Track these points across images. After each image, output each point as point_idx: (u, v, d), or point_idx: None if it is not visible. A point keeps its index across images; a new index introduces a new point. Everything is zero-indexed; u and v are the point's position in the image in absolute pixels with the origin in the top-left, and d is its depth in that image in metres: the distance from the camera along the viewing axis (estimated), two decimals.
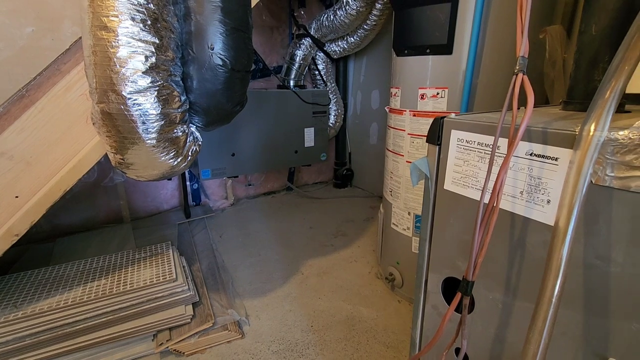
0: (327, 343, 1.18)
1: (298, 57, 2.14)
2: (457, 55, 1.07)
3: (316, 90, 2.19)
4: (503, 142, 0.45)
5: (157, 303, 1.14)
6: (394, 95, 1.29)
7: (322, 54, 2.23)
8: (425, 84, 1.16)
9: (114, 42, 0.76)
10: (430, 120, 1.16)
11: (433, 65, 1.13)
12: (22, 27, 0.90)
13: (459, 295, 0.47)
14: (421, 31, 1.12)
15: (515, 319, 0.49)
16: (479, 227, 0.43)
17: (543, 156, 0.42)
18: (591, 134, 0.34)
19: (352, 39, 2.06)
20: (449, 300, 0.60)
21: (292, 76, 2.19)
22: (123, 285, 1.15)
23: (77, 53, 0.96)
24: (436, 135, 0.56)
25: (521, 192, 0.45)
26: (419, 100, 1.18)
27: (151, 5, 0.79)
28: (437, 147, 0.57)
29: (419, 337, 0.65)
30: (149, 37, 0.79)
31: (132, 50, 0.78)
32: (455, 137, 0.52)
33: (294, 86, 2.19)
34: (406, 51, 1.19)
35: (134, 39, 0.77)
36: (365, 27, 1.94)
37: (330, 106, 2.35)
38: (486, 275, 0.50)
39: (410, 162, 1.24)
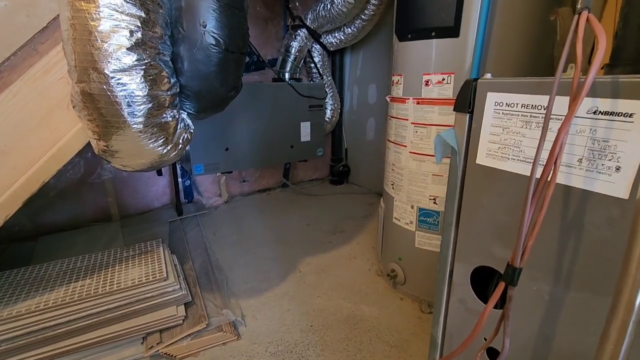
0: (327, 343, 1.12)
1: (293, 49, 2.07)
2: (464, 39, 1.01)
3: (312, 84, 2.13)
4: (558, 102, 0.38)
5: (147, 304, 1.07)
6: (396, 83, 1.23)
7: (318, 46, 2.17)
8: (430, 70, 1.10)
9: (95, 14, 0.69)
10: (436, 108, 1.11)
11: (438, 50, 1.07)
12: None
13: (501, 286, 0.41)
14: (426, 13, 1.06)
15: (566, 313, 0.42)
16: (530, 203, 0.37)
17: (612, 113, 0.35)
18: None
19: (349, 29, 2.00)
20: (477, 293, 0.54)
21: (288, 69, 2.12)
22: (110, 285, 1.07)
23: (56, 32, 0.88)
24: (467, 101, 0.49)
25: (579, 160, 0.38)
26: (424, 87, 1.12)
27: None
28: (468, 116, 0.50)
29: (441, 335, 0.59)
30: (134, 10, 0.72)
31: (115, 23, 0.71)
32: (492, 101, 0.46)
33: (290, 79, 2.12)
34: (410, 35, 1.13)
35: (117, 11, 0.70)
36: (362, 17, 1.88)
37: (327, 100, 2.28)
38: (529, 263, 0.43)
39: (413, 153, 1.19)
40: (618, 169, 0.36)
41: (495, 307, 0.43)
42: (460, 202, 0.53)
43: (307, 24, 2.01)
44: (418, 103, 1.14)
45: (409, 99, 1.17)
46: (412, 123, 1.17)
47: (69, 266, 1.19)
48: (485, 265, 0.52)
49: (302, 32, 2.04)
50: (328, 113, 2.31)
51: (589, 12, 0.34)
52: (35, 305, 0.98)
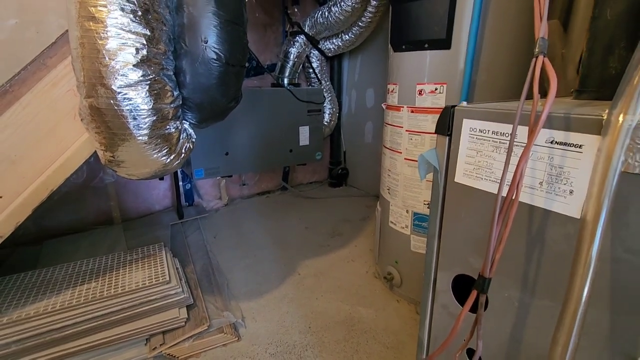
0: (325, 345, 1.15)
1: (292, 55, 2.11)
2: (456, 50, 1.05)
3: (311, 89, 2.17)
4: (520, 131, 0.43)
5: (150, 306, 1.10)
6: (391, 91, 1.27)
7: (316, 51, 2.20)
8: (424, 80, 1.14)
9: (103, 33, 0.73)
10: (429, 116, 1.15)
11: (431, 61, 1.11)
12: (3, 19, 0.85)
13: (474, 294, 0.45)
14: (419, 26, 1.10)
15: (533, 317, 0.47)
16: (497, 220, 0.41)
17: (565, 144, 0.40)
18: (621, 119, 0.32)
19: (346, 36, 2.04)
20: (459, 299, 0.58)
21: (286, 74, 2.16)
22: (114, 288, 1.11)
23: (64, 47, 0.92)
24: (446, 125, 0.54)
25: (540, 183, 0.43)
26: (417, 97, 1.16)
27: None
28: (447, 138, 0.54)
29: (427, 338, 0.63)
30: (139, 29, 0.76)
31: (122, 42, 0.74)
32: (468, 127, 0.50)
33: (288, 84, 2.16)
34: (404, 46, 1.17)
35: (123, 30, 0.74)
36: (360, 24, 1.92)
37: (325, 105, 2.32)
38: (501, 272, 0.48)
39: (408, 160, 1.22)
40: (571, 192, 0.40)
41: (474, 311, 0.47)
42: (442, 215, 0.57)
43: (306, 30, 2.05)
44: (412, 111, 1.18)
45: (403, 107, 1.21)
46: (406, 130, 1.21)
47: (74, 270, 1.23)
48: (464, 273, 0.56)
49: (301, 39, 2.08)
50: (326, 117, 2.35)
51: (544, 57, 0.39)
52: (43, 308, 1.02)
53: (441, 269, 0.59)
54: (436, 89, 1.11)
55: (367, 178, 2.52)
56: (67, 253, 1.48)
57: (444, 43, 1.06)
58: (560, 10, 1.08)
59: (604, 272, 0.39)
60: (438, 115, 1.11)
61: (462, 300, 0.57)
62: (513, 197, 0.40)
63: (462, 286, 0.58)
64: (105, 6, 0.72)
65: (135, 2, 0.75)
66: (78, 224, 1.83)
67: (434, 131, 1.13)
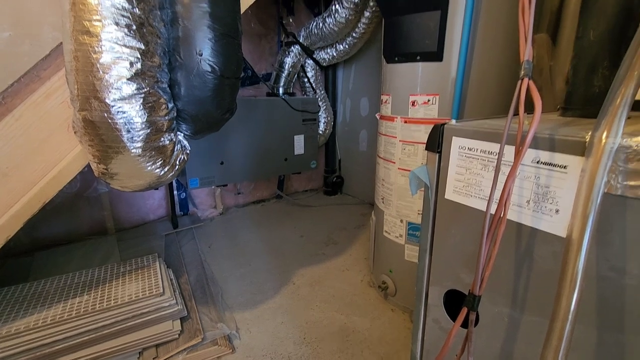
0: (320, 356, 1.15)
1: (287, 65, 2.13)
2: (447, 62, 1.07)
3: (306, 98, 2.18)
4: (507, 150, 0.44)
5: (143, 319, 1.09)
6: (385, 102, 1.29)
7: (311, 61, 2.22)
8: (416, 91, 1.15)
9: (97, 47, 0.73)
10: (422, 127, 1.17)
11: (423, 72, 1.13)
12: None
13: (464, 311, 0.45)
14: (411, 38, 1.12)
15: (523, 333, 0.47)
16: (486, 238, 0.42)
17: (551, 164, 0.41)
18: (603, 141, 0.33)
19: (341, 46, 2.06)
20: (450, 313, 0.58)
21: (282, 84, 2.17)
22: (107, 301, 1.10)
23: (58, 59, 0.92)
24: (436, 142, 0.55)
25: (528, 202, 0.43)
26: (410, 107, 1.17)
27: (136, 10, 0.76)
28: (437, 155, 0.55)
29: (420, 352, 0.63)
30: (134, 43, 0.76)
31: (117, 56, 0.75)
32: (457, 145, 0.51)
33: (284, 94, 2.17)
34: (396, 58, 1.19)
35: (118, 44, 0.74)
36: (354, 35, 1.94)
37: (320, 114, 2.34)
38: (491, 288, 0.49)
39: (402, 170, 1.23)
40: (557, 211, 0.41)
41: (466, 327, 0.47)
42: (433, 231, 0.58)
43: (301, 40, 2.07)
44: (405, 122, 1.20)
45: (397, 117, 1.22)
46: (400, 141, 1.23)
47: (66, 282, 1.21)
48: (455, 289, 0.56)
49: (296, 49, 2.10)
50: (321, 126, 2.37)
51: (529, 79, 0.40)
52: (34, 323, 1.00)
53: (433, 283, 0.60)
54: (429, 100, 1.13)
55: (362, 186, 2.53)
56: (59, 265, 1.46)
57: (436, 55, 1.08)
58: (549, 24, 1.11)
59: (590, 289, 0.39)
60: (431, 126, 1.14)
61: (454, 314, 0.58)
62: (501, 215, 0.41)
63: (454, 301, 0.58)
64: (99, 20, 0.73)
65: (130, 16, 0.75)
66: (71, 234, 1.81)
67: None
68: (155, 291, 1.15)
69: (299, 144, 2.13)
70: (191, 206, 2.23)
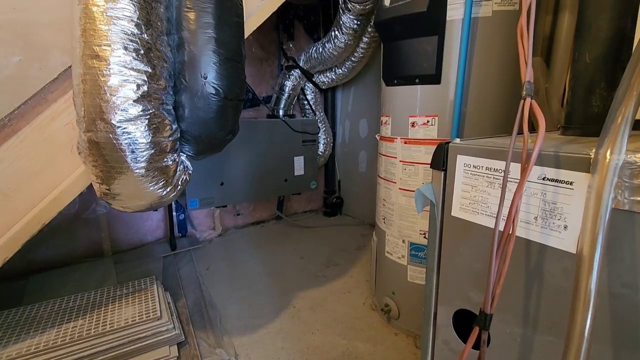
0: None
1: (287, 88, 2.18)
2: (446, 85, 1.10)
3: (305, 120, 2.22)
4: (513, 167, 0.44)
5: (140, 344, 1.06)
6: (385, 123, 1.31)
7: (311, 84, 2.28)
8: (415, 113, 1.18)
9: (105, 70, 0.75)
10: (422, 147, 1.18)
11: (422, 95, 1.16)
12: (8, 56, 0.88)
13: (476, 330, 0.44)
14: (410, 62, 1.16)
15: (536, 354, 0.46)
16: (495, 255, 0.42)
17: (557, 180, 0.41)
18: (608, 157, 0.34)
19: (340, 70, 2.12)
20: (460, 335, 0.57)
21: (282, 106, 2.21)
22: (102, 326, 1.07)
23: (65, 82, 0.94)
24: (441, 160, 0.55)
25: (535, 218, 0.44)
26: (410, 128, 1.19)
27: (145, 35, 0.79)
28: (443, 173, 0.56)
29: None
30: (141, 66, 0.78)
31: (124, 78, 0.76)
32: (462, 163, 0.52)
33: (284, 115, 2.21)
34: (395, 81, 1.22)
35: (126, 67, 0.76)
36: (352, 59, 2.00)
37: (320, 135, 2.37)
38: (501, 307, 0.48)
39: (403, 189, 1.24)
40: (566, 227, 0.41)
41: (477, 348, 0.46)
42: (440, 249, 0.57)
43: (300, 64, 2.13)
44: (405, 143, 1.21)
45: (396, 138, 1.24)
46: (400, 161, 1.24)
47: (60, 306, 1.18)
48: (465, 308, 0.55)
49: (296, 72, 2.15)
50: (321, 147, 2.39)
51: (532, 99, 0.41)
52: (26, 349, 0.97)
53: (441, 303, 0.58)
54: (428, 121, 1.15)
55: (362, 207, 2.53)
56: (54, 288, 1.43)
57: (434, 78, 1.11)
58: (542, 48, 1.15)
59: (603, 306, 0.39)
60: (431, 147, 1.16)
61: (463, 336, 0.56)
62: (510, 232, 0.41)
63: (463, 321, 0.57)
64: (109, 45, 0.75)
65: (139, 41, 0.78)
66: (67, 256, 1.78)
67: (427, 162, 1.16)
68: (153, 315, 1.12)
69: (299, 164, 2.15)
70: (190, 227, 2.21)
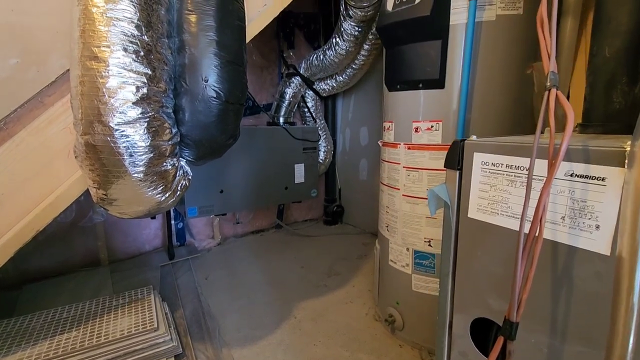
0: None
1: (288, 95, 2.17)
2: (450, 89, 1.08)
3: (306, 127, 2.20)
4: (537, 164, 0.41)
5: (136, 357, 1.02)
6: (387, 129, 1.29)
7: (311, 92, 2.27)
8: (419, 118, 1.16)
9: (104, 72, 0.73)
10: (426, 153, 1.16)
11: (426, 99, 1.14)
12: (6, 59, 0.86)
13: (501, 340, 0.41)
14: (413, 67, 1.14)
15: None
16: (521, 259, 0.39)
17: (586, 177, 0.39)
18: None
19: (340, 77, 2.11)
20: (478, 346, 0.53)
21: (282, 113, 2.20)
22: (97, 338, 1.03)
23: (63, 85, 0.92)
24: (456, 159, 0.53)
25: (562, 218, 0.41)
26: (414, 134, 1.17)
27: (145, 37, 0.77)
28: (458, 172, 0.53)
29: None
30: (141, 68, 0.77)
31: (123, 80, 0.75)
32: (479, 161, 0.49)
33: (284, 123, 2.19)
34: (398, 86, 1.20)
35: (125, 69, 0.75)
36: (353, 66, 1.99)
37: (320, 143, 2.35)
38: (526, 315, 0.44)
39: (407, 196, 1.21)
40: (597, 227, 0.39)
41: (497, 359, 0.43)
42: (455, 252, 0.54)
43: (301, 72, 2.12)
44: (409, 148, 1.19)
45: (400, 144, 1.22)
46: (404, 167, 1.21)
47: (54, 317, 1.14)
48: (483, 316, 0.52)
49: (296, 80, 2.15)
50: (321, 155, 2.37)
51: (557, 90, 0.39)
52: None
53: (457, 311, 0.55)
54: (432, 126, 1.13)
55: (363, 215, 2.50)
56: (47, 298, 1.39)
57: (438, 83, 1.09)
58: None
59: None
60: (435, 152, 1.14)
61: (481, 347, 0.53)
62: (537, 234, 0.39)
63: (480, 330, 0.53)
64: (108, 47, 0.73)
65: (139, 42, 0.76)
66: (62, 266, 1.73)
67: (431, 168, 1.14)
68: (150, 326, 1.08)
69: (299, 172, 2.12)
70: (188, 236, 2.17)
